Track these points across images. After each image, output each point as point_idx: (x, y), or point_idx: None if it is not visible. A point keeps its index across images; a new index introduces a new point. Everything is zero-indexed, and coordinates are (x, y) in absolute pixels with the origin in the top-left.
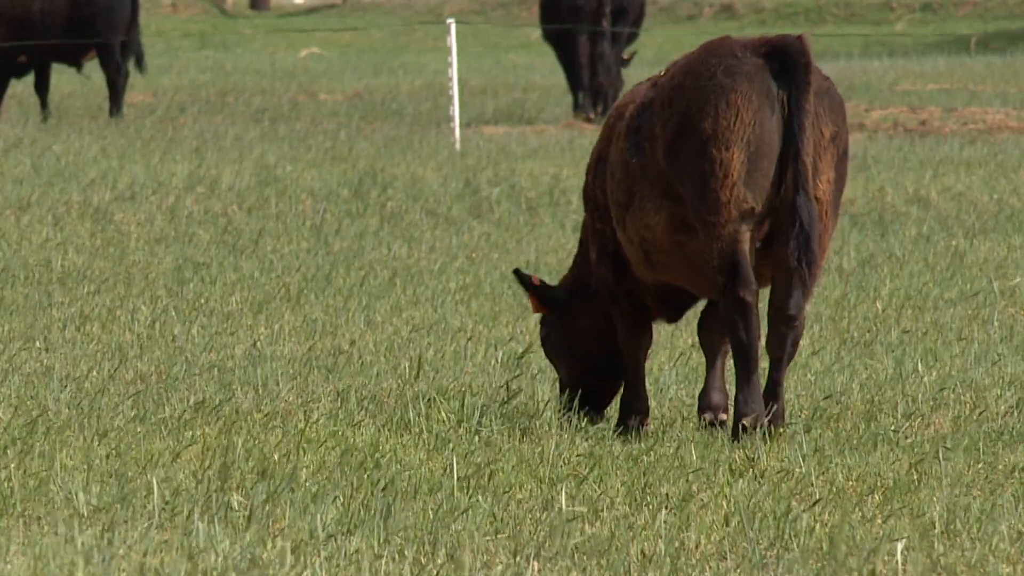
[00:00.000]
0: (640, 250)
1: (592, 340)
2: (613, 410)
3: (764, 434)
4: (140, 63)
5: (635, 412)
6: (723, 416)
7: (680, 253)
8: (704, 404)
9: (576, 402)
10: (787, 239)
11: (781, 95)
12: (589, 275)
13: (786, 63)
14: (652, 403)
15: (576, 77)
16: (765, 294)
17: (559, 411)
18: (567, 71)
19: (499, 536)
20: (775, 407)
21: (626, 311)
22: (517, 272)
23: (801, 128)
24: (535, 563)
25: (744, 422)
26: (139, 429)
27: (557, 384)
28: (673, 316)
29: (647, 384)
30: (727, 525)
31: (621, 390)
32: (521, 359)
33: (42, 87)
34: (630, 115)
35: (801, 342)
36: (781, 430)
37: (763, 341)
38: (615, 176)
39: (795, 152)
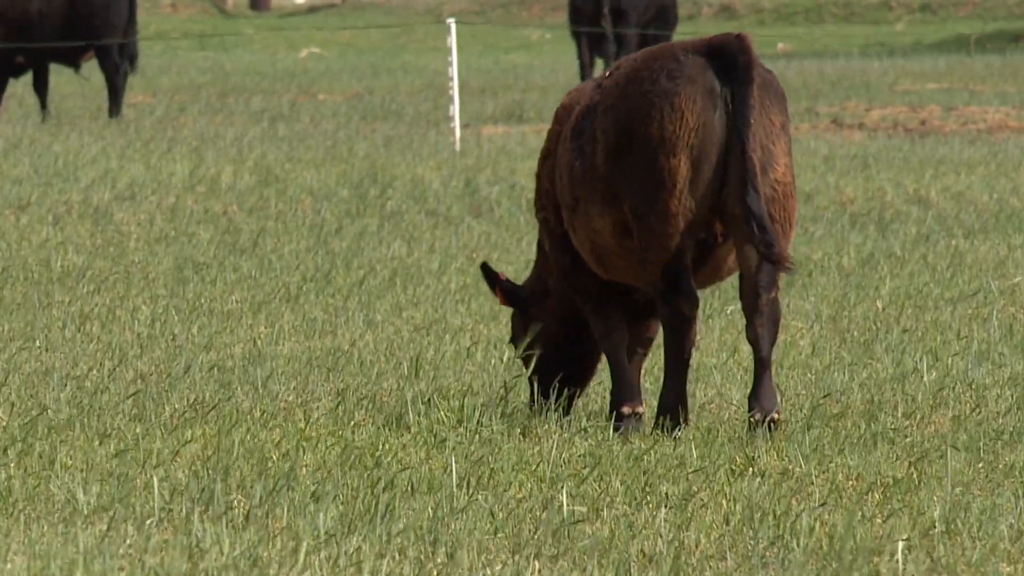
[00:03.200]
0: (592, 254)
1: (551, 337)
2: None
3: (768, 428)
4: (133, 63)
5: (626, 407)
6: (775, 415)
7: (630, 257)
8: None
9: (543, 394)
10: (744, 230)
11: (725, 92)
12: (547, 275)
13: (727, 61)
14: (652, 402)
15: (582, 77)
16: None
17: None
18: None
19: (499, 536)
20: (772, 403)
21: (595, 304)
22: (484, 266)
23: (746, 124)
24: (535, 563)
25: (663, 419)
26: (139, 429)
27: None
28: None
29: (645, 383)
30: (727, 524)
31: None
32: (522, 357)
33: (41, 87)
34: (575, 117)
35: (801, 342)
36: (778, 415)
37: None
38: (562, 178)
39: (742, 147)
